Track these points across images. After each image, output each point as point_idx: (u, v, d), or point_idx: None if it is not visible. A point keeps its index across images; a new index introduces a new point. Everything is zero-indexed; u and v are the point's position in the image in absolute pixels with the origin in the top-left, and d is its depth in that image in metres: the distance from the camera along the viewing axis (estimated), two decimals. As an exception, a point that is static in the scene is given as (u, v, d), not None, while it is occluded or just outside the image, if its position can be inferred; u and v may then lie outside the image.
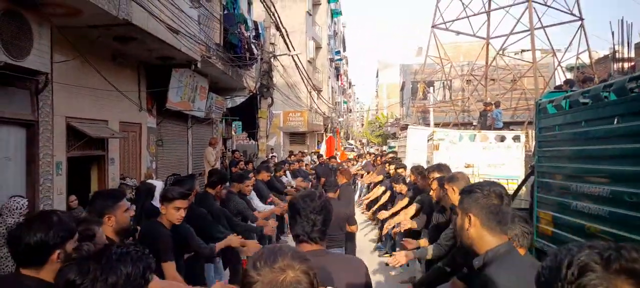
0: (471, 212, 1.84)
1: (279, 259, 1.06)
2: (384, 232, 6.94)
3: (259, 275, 1.04)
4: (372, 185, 10.69)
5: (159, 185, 6.31)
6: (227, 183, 6.12)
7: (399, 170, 7.59)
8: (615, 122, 3.34)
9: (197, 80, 10.15)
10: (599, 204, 3.46)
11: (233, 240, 3.93)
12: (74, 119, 6.89)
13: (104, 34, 6.59)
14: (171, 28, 7.14)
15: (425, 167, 9.17)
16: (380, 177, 10.08)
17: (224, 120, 14.46)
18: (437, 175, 4.22)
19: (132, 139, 8.88)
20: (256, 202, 6.61)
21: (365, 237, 9.54)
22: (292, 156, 15.75)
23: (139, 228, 3.94)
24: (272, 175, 8.73)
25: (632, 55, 16.11)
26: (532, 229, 2.48)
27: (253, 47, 12.07)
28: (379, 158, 13.73)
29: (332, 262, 1.91)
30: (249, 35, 11.92)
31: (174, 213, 3.27)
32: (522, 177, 7.18)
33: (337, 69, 37.08)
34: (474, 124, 14.34)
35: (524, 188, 6.07)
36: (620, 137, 3.27)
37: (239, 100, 14.70)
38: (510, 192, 6.15)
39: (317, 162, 14.52)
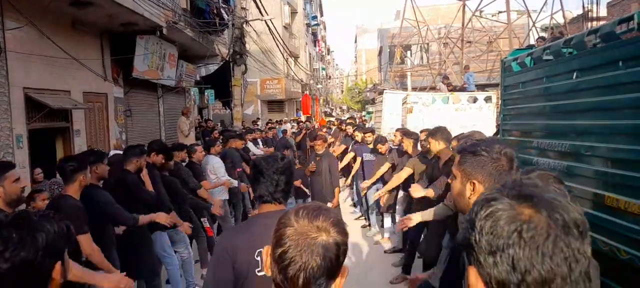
0: (475, 177, 1.57)
1: (320, 218, 1.04)
2: (373, 200, 6.92)
3: (296, 222, 1.04)
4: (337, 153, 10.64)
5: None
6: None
7: (366, 135, 7.52)
8: (573, 77, 3.32)
9: (164, 47, 9.83)
10: (559, 159, 3.49)
11: (160, 216, 3.82)
12: (32, 90, 6.61)
13: (57, -2, 6.27)
14: (131, -8, 6.83)
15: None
16: (342, 147, 10.04)
17: (199, 89, 14.15)
18: (440, 138, 4.31)
19: (98, 109, 8.62)
20: (218, 173, 6.42)
21: (345, 201, 9.63)
22: (269, 124, 15.65)
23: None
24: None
25: (605, 14, 16.28)
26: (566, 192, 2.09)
27: (223, 12, 11.72)
28: (341, 124, 13.54)
29: None
30: (218, 0, 11.54)
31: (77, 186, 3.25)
32: (494, 137, 7.26)
33: (314, 34, 36.53)
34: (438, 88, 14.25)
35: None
36: (579, 92, 3.27)
37: (213, 68, 14.38)
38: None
39: (298, 128, 14.38)
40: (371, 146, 7.20)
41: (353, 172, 8.53)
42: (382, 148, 6.78)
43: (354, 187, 8.70)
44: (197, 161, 6.19)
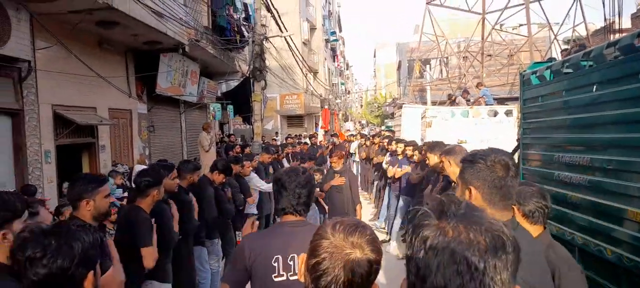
0: (472, 184, 1.67)
1: (356, 234, 1.08)
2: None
3: (333, 236, 1.07)
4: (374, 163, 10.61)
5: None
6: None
7: (408, 148, 7.47)
8: (594, 90, 3.29)
9: (187, 64, 10.07)
10: (579, 173, 3.43)
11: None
12: (60, 107, 6.85)
13: (85, 19, 6.51)
14: (155, 11, 7.05)
15: (419, 143, 9.21)
16: (381, 158, 10.04)
17: (221, 105, 14.39)
18: (437, 152, 4.34)
19: (123, 125, 8.85)
20: (255, 180, 6.57)
21: (363, 214, 9.57)
22: (289, 139, 15.76)
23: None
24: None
25: (629, 25, 15.95)
26: (549, 204, 2.22)
27: (243, 29, 11.95)
28: (373, 137, 13.58)
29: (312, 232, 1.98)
30: (239, 17, 11.78)
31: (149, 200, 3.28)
32: (516, 151, 7.16)
33: (333, 49, 36.77)
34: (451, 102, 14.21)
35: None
36: (599, 105, 3.23)
37: (233, 84, 14.61)
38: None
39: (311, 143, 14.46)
40: (416, 158, 7.11)
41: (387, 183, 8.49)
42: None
43: (386, 199, 8.56)
44: (244, 176, 6.31)
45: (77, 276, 1.28)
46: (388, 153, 8.89)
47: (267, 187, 6.55)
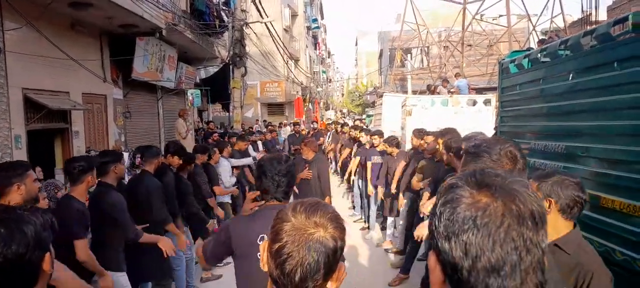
0: None
1: (317, 214, 1.04)
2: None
3: (294, 218, 1.04)
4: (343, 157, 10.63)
5: (125, 157, 6.17)
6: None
7: (374, 138, 7.48)
8: (570, 78, 3.32)
9: (164, 49, 9.84)
10: (555, 160, 3.48)
11: (163, 241, 3.63)
12: (31, 91, 6.61)
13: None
14: (130, -7, 6.84)
15: (400, 133, 9.27)
16: (347, 150, 10.09)
17: (200, 91, 14.17)
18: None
19: (97, 110, 8.62)
20: (225, 176, 6.51)
21: (342, 198, 9.63)
22: (270, 126, 15.68)
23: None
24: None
25: (605, 18, 16.28)
26: (586, 197, 1.88)
27: (223, 14, 11.73)
28: (341, 126, 13.55)
29: None
30: (218, 2, 11.56)
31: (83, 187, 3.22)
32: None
33: (314, 37, 36.56)
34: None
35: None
36: (575, 93, 3.27)
37: (212, 70, 14.38)
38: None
39: (293, 131, 14.39)
40: (380, 148, 7.12)
41: (351, 173, 8.53)
42: (394, 150, 6.69)
43: (356, 188, 8.66)
44: (213, 164, 6.22)
45: (34, 260, 1.24)
46: (356, 144, 8.91)
47: (229, 181, 6.50)
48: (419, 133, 6.03)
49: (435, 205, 0.81)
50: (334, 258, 1.03)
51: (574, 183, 1.85)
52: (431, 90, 14.21)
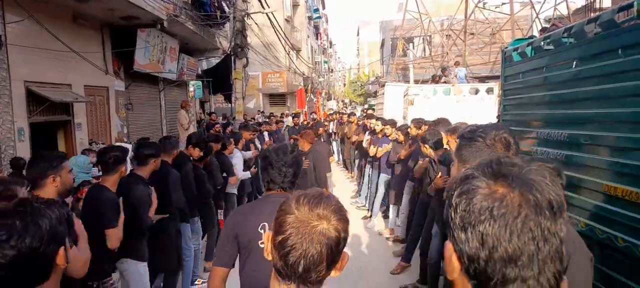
0: (470, 163, 1.58)
1: (320, 206, 1.05)
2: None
3: (297, 210, 1.04)
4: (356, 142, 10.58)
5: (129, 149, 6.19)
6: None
7: (386, 128, 7.43)
8: (573, 66, 3.30)
9: (165, 40, 9.82)
10: (558, 149, 3.48)
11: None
12: (33, 83, 6.63)
13: (58, -8, 6.26)
14: (131, -15, 6.82)
15: (402, 122, 9.25)
16: (362, 136, 10.05)
17: (202, 82, 14.17)
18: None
19: (100, 102, 8.64)
20: (239, 168, 6.48)
21: (345, 190, 9.65)
22: (272, 117, 15.65)
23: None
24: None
25: (610, 4, 16.12)
26: (564, 183, 1.93)
27: (224, 5, 11.68)
28: (348, 116, 13.54)
29: None
30: (219, -7, 11.51)
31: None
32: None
33: (316, 27, 36.40)
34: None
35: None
36: (579, 81, 3.25)
37: (214, 61, 14.35)
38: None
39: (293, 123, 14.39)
40: (392, 137, 7.07)
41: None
42: (402, 137, 6.59)
43: (366, 177, 8.59)
44: (228, 154, 6.21)
45: (49, 253, 1.24)
46: (368, 132, 8.89)
47: (243, 175, 6.50)
48: (418, 123, 6.04)
49: (451, 196, 0.81)
50: (337, 250, 1.04)
51: (550, 168, 1.80)
52: (436, 80, 14.16)
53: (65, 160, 2.66)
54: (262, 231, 2.04)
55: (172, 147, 4.41)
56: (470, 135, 1.65)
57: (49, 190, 2.50)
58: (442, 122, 4.73)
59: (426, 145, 4.54)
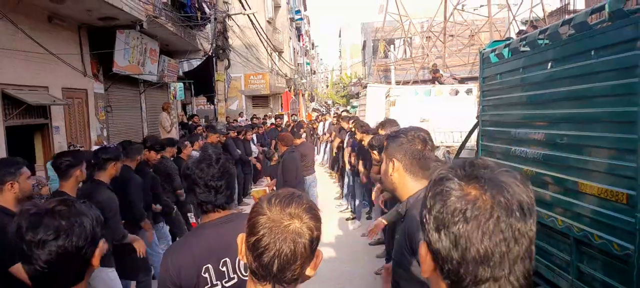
0: (395, 157, 1.83)
1: (292, 205, 1.06)
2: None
3: (269, 210, 1.05)
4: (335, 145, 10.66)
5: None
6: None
7: (364, 136, 7.46)
8: (549, 67, 3.39)
9: (145, 42, 9.69)
10: (535, 148, 3.56)
11: (140, 244, 3.66)
12: (8, 86, 6.47)
13: (33, -8, 6.13)
14: (109, -15, 6.72)
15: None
16: (338, 140, 10.12)
17: (184, 84, 14.01)
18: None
19: (78, 105, 8.48)
20: None
21: (328, 193, 9.67)
22: (255, 119, 15.59)
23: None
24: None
25: (583, 6, 16.54)
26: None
27: (204, 5, 11.59)
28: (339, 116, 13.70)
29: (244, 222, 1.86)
30: (199, -7, 11.42)
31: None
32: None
33: (298, 29, 36.34)
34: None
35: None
36: (553, 82, 3.34)
37: (195, 63, 14.21)
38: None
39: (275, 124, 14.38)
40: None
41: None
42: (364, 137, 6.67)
43: (347, 179, 8.62)
44: (185, 157, 6.17)
45: (88, 254, 1.25)
46: (348, 133, 8.92)
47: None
48: (361, 127, 6.46)
49: (425, 197, 0.83)
50: (310, 248, 1.05)
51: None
52: (433, 80, 14.24)
53: (24, 167, 2.62)
54: (206, 275, 1.77)
55: (135, 153, 4.33)
56: (394, 134, 1.91)
57: (7, 196, 2.49)
58: (388, 122, 5.05)
59: (374, 152, 4.79)
